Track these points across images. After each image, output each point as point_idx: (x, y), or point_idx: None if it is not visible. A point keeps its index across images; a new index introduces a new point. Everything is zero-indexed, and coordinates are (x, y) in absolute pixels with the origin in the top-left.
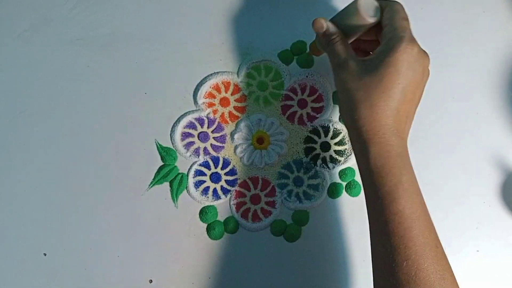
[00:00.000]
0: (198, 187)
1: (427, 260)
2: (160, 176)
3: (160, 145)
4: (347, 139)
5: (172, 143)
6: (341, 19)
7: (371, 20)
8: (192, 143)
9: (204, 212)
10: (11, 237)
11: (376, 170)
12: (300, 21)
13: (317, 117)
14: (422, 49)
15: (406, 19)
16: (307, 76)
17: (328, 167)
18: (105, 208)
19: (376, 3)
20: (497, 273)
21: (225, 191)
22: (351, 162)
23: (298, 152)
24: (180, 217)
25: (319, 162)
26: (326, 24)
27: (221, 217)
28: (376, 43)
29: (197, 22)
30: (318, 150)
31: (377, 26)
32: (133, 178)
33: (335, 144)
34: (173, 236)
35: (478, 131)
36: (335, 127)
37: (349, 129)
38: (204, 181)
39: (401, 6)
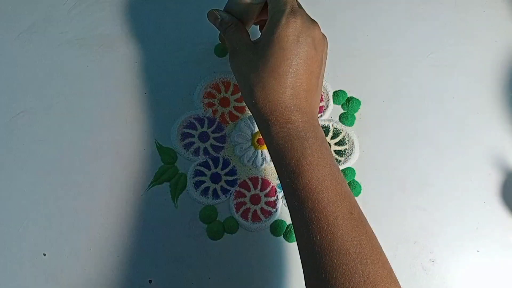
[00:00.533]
0: (198, 187)
1: (340, 229)
2: (160, 176)
3: (160, 145)
4: (347, 139)
5: (172, 143)
6: (230, 6)
7: (252, 0)
8: (192, 143)
9: (204, 212)
10: (11, 237)
11: (279, 148)
12: None
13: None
14: (308, 18)
15: None
16: None
17: None
18: (105, 208)
19: None
20: (497, 273)
21: (225, 191)
22: (351, 162)
23: None
24: (180, 217)
25: None
26: (218, 14)
27: (221, 217)
28: None
29: (197, 22)
30: None
31: None
32: (133, 178)
33: (335, 144)
34: (173, 236)
35: (478, 131)
36: (335, 127)
37: (251, 112)
38: (204, 181)
39: None
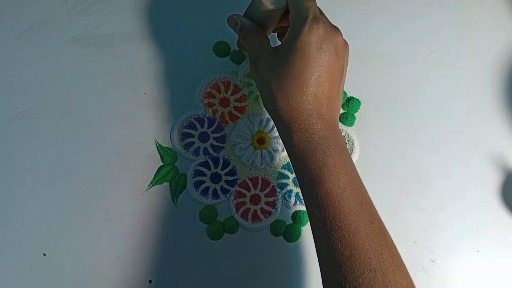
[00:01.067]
0: (198, 187)
1: (361, 238)
2: (160, 176)
3: (160, 145)
4: (347, 139)
5: (172, 143)
6: (251, 11)
7: (274, 6)
8: (192, 143)
9: (204, 212)
10: (11, 237)
11: (300, 156)
12: None
13: None
14: (331, 25)
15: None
16: None
17: None
18: (105, 208)
19: None
20: (497, 273)
21: (225, 191)
22: None
23: None
24: (180, 217)
25: None
26: (239, 20)
27: (221, 217)
28: None
29: (197, 22)
30: None
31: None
32: (133, 178)
33: None
34: (173, 236)
35: (478, 131)
36: None
37: (272, 119)
38: (204, 181)
39: None
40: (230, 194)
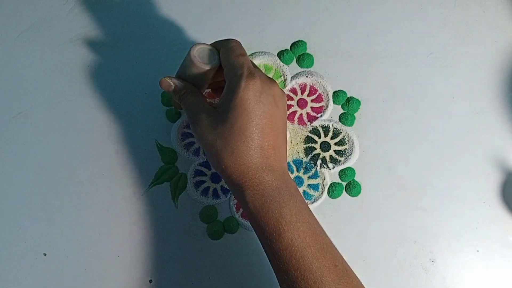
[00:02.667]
0: (198, 187)
1: (327, 284)
2: (160, 176)
3: (160, 145)
4: (347, 139)
5: (172, 143)
6: (183, 72)
7: (208, 67)
8: (192, 143)
9: (204, 212)
10: (11, 237)
11: (256, 211)
12: (300, 21)
13: (317, 117)
14: (266, 77)
15: (243, 54)
16: (307, 76)
17: (328, 167)
18: (105, 208)
19: (209, 48)
20: (497, 273)
21: (225, 191)
22: (351, 162)
23: (298, 152)
24: (180, 217)
25: (319, 162)
26: (171, 82)
27: (221, 217)
28: None
29: (197, 22)
30: (318, 150)
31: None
32: (133, 178)
33: (335, 144)
34: (173, 236)
35: (478, 131)
36: (335, 127)
37: (223, 178)
38: (204, 181)
39: (236, 42)
40: (230, 194)
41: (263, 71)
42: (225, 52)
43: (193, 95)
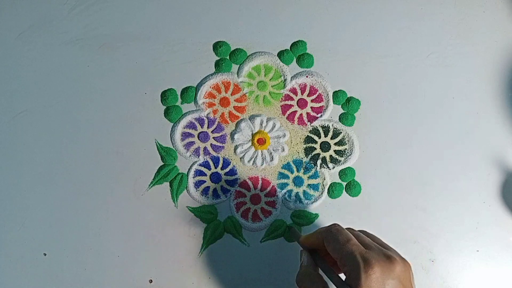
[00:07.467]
0: (198, 187)
1: None
2: (160, 176)
3: (160, 145)
4: (347, 139)
5: (172, 143)
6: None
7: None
8: (192, 143)
9: (204, 212)
10: (11, 237)
11: None
12: (300, 21)
13: (317, 117)
14: (383, 258)
15: (349, 239)
16: (307, 76)
17: (328, 167)
18: (105, 208)
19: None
20: (497, 273)
21: (225, 191)
22: (351, 162)
23: (298, 152)
24: (180, 217)
25: (319, 162)
26: (303, 259)
27: (221, 217)
28: None
29: (197, 22)
30: (318, 150)
31: None
32: (133, 178)
33: (335, 144)
34: (173, 236)
35: (478, 131)
36: (335, 127)
37: None
38: (204, 181)
39: (336, 228)
40: (230, 194)
41: (263, 71)
42: (331, 243)
43: (311, 280)
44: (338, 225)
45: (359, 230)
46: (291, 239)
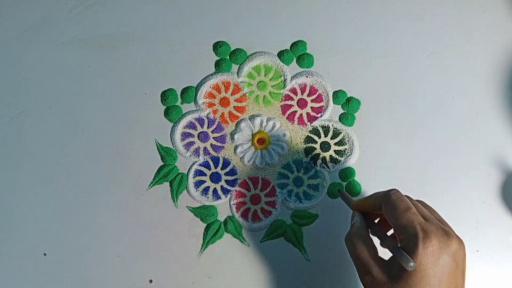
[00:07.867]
0: (198, 187)
1: None
2: (160, 176)
3: (160, 145)
4: (347, 139)
5: (172, 143)
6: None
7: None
8: (192, 143)
9: (204, 212)
10: (11, 237)
11: None
12: (300, 21)
13: (317, 117)
14: (442, 232)
15: (409, 207)
16: (307, 76)
17: (328, 167)
18: (105, 208)
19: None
20: (497, 273)
21: (225, 191)
22: (351, 162)
23: (298, 152)
24: (180, 217)
25: (319, 162)
26: (355, 219)
27: (221, 217)
28: None
29: (197, 22)
30: (318, 150)
31: None
32: (133, 178)
33: (335, 144)
34: (173, 236)
35: (478, 131)
36: (335, 127)
37: None
38: (204, 181)
39: (396, 194)
40: (230, 194)
41: (263, 71)
42: (389, 209)
43: (363, 242)
44: (398, 191)
45: (417, 200)
46: (341, 198)
